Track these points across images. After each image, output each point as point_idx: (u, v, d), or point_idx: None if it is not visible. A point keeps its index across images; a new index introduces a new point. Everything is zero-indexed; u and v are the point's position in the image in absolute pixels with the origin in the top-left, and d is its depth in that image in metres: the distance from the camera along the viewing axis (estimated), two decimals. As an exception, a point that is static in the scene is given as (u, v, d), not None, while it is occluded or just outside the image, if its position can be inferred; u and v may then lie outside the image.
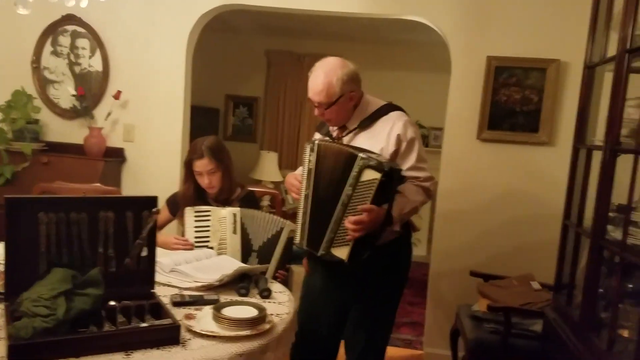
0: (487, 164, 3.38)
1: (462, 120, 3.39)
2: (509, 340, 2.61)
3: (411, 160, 2.12)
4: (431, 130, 5.94)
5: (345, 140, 2.20)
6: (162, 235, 2.60)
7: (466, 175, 3.41)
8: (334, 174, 2.02)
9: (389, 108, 2.21)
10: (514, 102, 3.30)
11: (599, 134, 2.16)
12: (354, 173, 1.94)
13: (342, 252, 1.99)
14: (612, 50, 1.95)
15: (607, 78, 2.07)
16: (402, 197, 2.05)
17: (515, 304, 2.68)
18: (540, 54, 3.24)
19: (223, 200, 2.65)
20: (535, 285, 2.88)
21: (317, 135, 2.34)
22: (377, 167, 1.91)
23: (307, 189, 2.07)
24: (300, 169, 2.44)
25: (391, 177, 1.94)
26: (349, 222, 1.94)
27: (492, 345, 2.64)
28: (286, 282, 2.56)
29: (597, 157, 1.97)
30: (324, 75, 2.09)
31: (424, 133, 5.93)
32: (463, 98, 3.38)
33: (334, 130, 2.27)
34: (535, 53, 3.24)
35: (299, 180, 2.16)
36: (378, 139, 2.13)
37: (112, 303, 1.63)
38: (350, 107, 2.18)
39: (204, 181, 2.60)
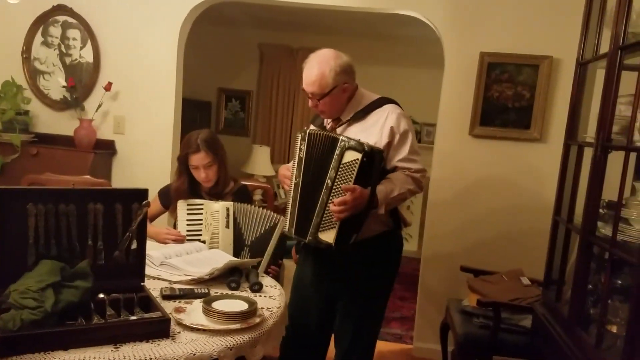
0: (479, 160, 3.38)
1: (454, 116, 3.39)
2: (498, 335, 2.62)
3: (404, 152, 2.13)
4: (424, 126, 5.95)
5: (338, 131, 2.20)
6: (153, 227, 2.59)
7: (458, 171, 3.42)
8: (320, 160, 2.04)
9: (383, 101, 2.21)
10: (506, 99, 3.31)
11: (590, 130, 2.17)
12: (335, 156, 1.98)
13: (328, 236, 2.01)
14: (604, 47, 1.95)
15: (599, 75, 2.08)
16: (390, 182, 2.07)
17: (504, 299, 2.69)
18: (532, 51, 3.24)
19: (216, 193, 2.64)
20: (525, 280, 2.90)
21: (312, 127, 2.34)
22: (357, 147, 1.95)
23: (297, 177, 2.09)
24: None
25: (372, 158, 1.97)
26: (333, 204, 1.96)
27: (481, 340, 2.65)
28: (278, 277, 2.56)
29: (588, 154, 1.98)
30: (317, 66, 2.10)
31: (417, 129, 5.93)
32: (456, 94, 3.38)
33: (328, 123, 2.27)
34: (528, 49, 3.24)
35: (290, 171, 2.16)
36: (371, 131, 2.13)
37: (101, 296, 1.62)
38: (344, 98, 2.18)
39: (200, 175, 2.58)
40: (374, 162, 1.99)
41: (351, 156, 1.96)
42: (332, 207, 1.97)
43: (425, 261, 3.54)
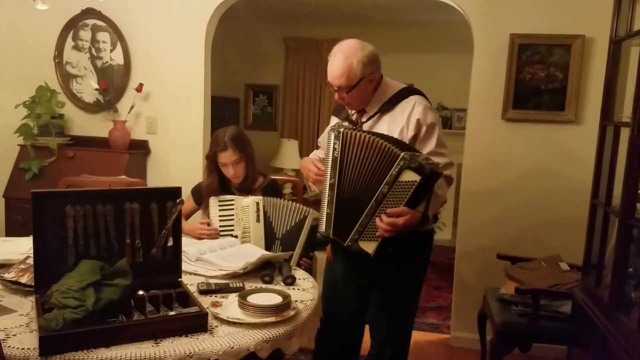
0: (512, 144, 3.32)
1: (486, 100, 3.33)
2: (537, 323, 2.58)
3: (431, 145, 2.07)
4: (454, 111, 5.87)
5: (368, 125, 2.16)
6: (187, 224, 2.64)
7: (491, 156, 3.36)
8: (366, 167, 1.97)
9: (409, 91, 2.17)
10: (539, 80, 3.23)
11: (626, 110, 2.11)
12: (393, 172, 1.89)
13: (369, 247, 1.97)
14: (638, 24, 1.89)
15: (633, 53, 2.02)
16: (434, 195, 2.00)
17: (543, 285, 2.64)
18: (564, 30, 3.15)
19: (245, 189, 2.67)
20: (564, 266, 2.84)
21: (335, 120, 2.30)
22: (419, 169, 1.86)
23: (332, 178, 2.02)
24: (314, 152, 2.42)
25: (430, 180, 1.90)
26: (380, 222, 1.90)
27: (520, 328, 2.62)
28: (310, 270, 2.57)
29: (625, 134, 1.92)
30: (343, 58, 2.04)
31: (447, 115, 5.86)
32: (486, 78, 3.32)
33: (353, 114, 2.23)
34: (559, 29, 3.16)
35: (316, 165, 2.15)
36: (398, 122, 2.10)
37: (141, 292, 1.66)
38: (371, 89, 2.14)
39: (229, 172, 2.62)
40: (431, 184, 1.93)
41: (410, 176, 1.88)
42: (378, 222, 1.91)
43: (460, 250, 3.50)
